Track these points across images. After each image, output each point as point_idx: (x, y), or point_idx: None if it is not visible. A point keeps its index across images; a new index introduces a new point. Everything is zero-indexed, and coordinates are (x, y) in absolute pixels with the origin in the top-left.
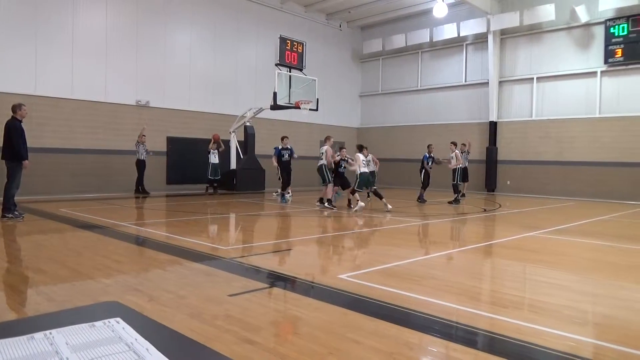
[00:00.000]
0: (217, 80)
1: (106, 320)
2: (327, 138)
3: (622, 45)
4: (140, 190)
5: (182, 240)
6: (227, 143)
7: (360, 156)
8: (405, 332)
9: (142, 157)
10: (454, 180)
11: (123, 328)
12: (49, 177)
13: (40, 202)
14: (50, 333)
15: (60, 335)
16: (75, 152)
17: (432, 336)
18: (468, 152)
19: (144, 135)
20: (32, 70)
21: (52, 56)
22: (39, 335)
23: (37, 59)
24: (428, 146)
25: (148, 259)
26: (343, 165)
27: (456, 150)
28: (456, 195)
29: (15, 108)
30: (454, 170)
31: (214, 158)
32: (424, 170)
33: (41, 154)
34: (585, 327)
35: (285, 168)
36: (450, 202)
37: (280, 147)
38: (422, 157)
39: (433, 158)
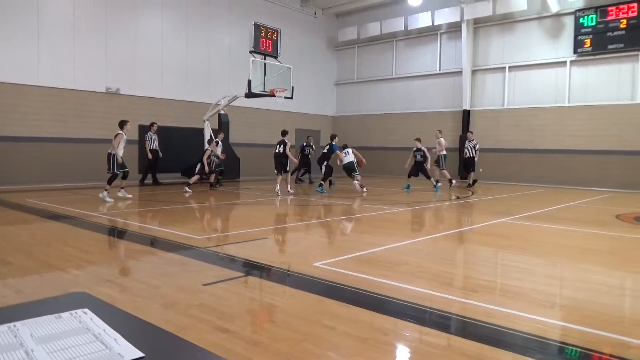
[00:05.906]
0: (189, 68)
1: (73, 311)
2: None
3: (590, 36)
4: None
5: (155, 230)
6: (201, 131)
7: (443, 140)
8: (379, 317)
9: (154, 147)
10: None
11: (91, 319)
12: (15, 166)
13: (6, 192)
14: (15, 325)
15: (25, 327)
16: (43, 140)
17: (405, 321)
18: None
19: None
20: None
21: (16, 41)
22: (2, 328)
23: (0, 44)
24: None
25: (120, 250)
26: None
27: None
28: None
29: None
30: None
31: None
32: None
33: (6, 143)
34: (552, 310)
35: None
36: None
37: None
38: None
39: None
